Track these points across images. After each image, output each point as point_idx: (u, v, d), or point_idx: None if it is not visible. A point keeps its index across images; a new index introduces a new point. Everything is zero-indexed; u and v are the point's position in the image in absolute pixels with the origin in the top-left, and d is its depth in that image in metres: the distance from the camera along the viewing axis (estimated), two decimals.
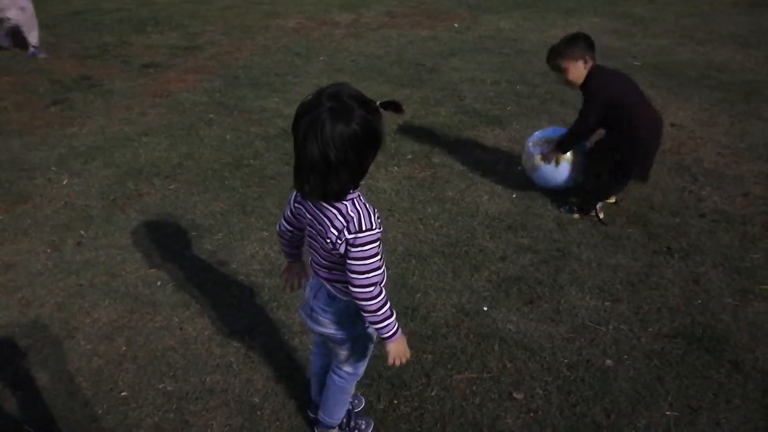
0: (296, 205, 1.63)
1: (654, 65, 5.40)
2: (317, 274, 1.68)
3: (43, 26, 6.69)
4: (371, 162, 1.47)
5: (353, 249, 1.48)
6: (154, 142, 4.09)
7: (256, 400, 2.18)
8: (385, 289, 1.58)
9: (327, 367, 1.96)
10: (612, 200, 3.29)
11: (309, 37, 6.40)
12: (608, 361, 2.32)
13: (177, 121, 4.41)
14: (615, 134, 3.07)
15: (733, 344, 2.39)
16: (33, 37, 5.71)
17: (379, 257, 1.52)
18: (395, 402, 2.17)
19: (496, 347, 2.39)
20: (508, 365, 2.31)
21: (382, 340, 1.64)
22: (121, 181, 3.61)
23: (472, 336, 2.45)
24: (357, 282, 1.52)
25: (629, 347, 2.38)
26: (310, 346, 2.39)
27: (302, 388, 2.22)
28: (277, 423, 2.10)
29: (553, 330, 2.48)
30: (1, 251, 3.00)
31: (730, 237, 3.04)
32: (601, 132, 3.19)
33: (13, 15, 5.54)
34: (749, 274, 2.78)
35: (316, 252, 1.64)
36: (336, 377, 1.90)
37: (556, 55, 2.99)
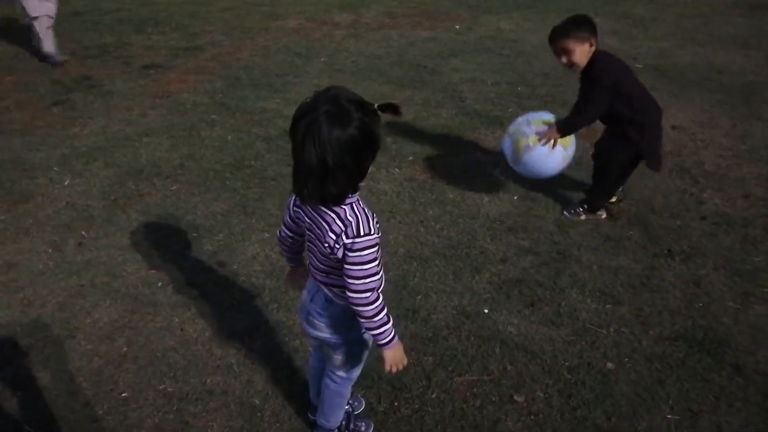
0: (295, 209, 1.63)
1: (655, 67, 5.39)
2: (315, 278, 1.68)
3: None
4: (369, 165, 1.47)
5: (351, 254, 1.48)
6: (155, 143, 4.09)
7: (257, 401, 2.18)
8: (383, 295, 1.57)
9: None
10: (613, 199, 3.29)
11: (309, 37, 6.40)
12: (609, 364, 2.32)
13: (178, 122, 4.41)
14: (620, 122, 2.96)
15: (734, 347, 2.39)
16: (44, 45, 5.60)
17: (377, 263, 1.51)
18: (396, 404, 2.17)
19: (497, 350, 2.39)
20: (509, 368, 2.31)
21: (379, 347, 1.63)
22: (122, 182, 3.61)
23: (472, 338, 2.45)
24: (354, 287, 1.52)
25: (630, 350, 2.38)
26: (310, 348, 2.39)
27: (302, 389, 2.22)
28: (278, 425, 2.10)
29: (553, 333, 2.48)
30: (2, 251, 3.00)
31: (731, 239, 3.04)
32: (595, 129, 3.14)
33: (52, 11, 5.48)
34: (750, 277, 2.78)
35: (314, 256, 1.63)
36: (330, 382, 1.90)
37: (563, 35, 2.86)
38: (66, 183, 3.61)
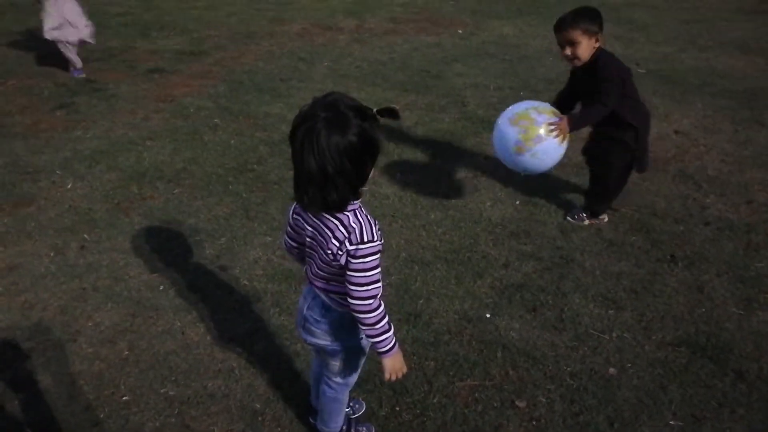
0: (295, 216, 1.63)
1: (657, 72, 5.40)
2: (313, 285, 1.68)
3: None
4: (370, 170, 1.47)
5: (354, 260, 1.48)
6: (158, 147, 4.10)
7: (258, 405, 2.18)
8: (383, 303, 1.57)
9: None
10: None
11: (313, 42, 6.42)
12: (612, 370, 2.31)
13: (181, 126, 4.43)
14: (617, 124, 2.90)
15: (737, 353, 2.38)
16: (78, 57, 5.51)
17: (379, 270, 1.51)
18: (397, 409, 2.16)
19: (499, 354, 2.38)
20: (511, 373, 2.30)
21: (379, 355, 1.62)
22: (125, 185, 3.62)
23: (474, 343, 2.44)
24: (356, 294, 1.51)
25: (633, 356, 2.37)
26: (312, 352, 2.39)
27: (304, 393, 2.21)
28: (279, 429, 2.10)
29: (556, 338, 2.47)
30: (4, 254, 3.01)
31: (734, 245, 3.03)
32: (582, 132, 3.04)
33: (88, 35, 5.36)
34: (754, 283, 2.77)
35: (314, 262, 1.63)
36: (327, 388, 1.89)
37: (572, 25, 2.73)
38: (69, 186, 3.62)
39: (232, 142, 4.18)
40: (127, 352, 2.41)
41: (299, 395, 2.21)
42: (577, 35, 2.74)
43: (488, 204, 3.41)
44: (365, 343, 1.77)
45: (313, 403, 2.08)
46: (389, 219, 3.25)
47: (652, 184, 3.58)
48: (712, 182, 3.61)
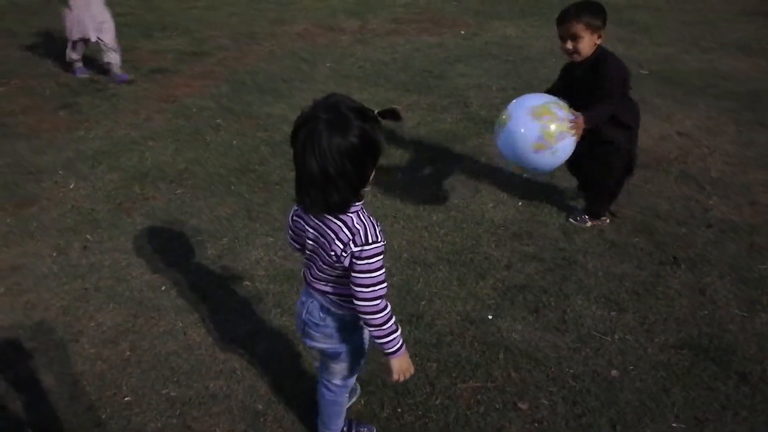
0: (295, 218, 1.63)
1: (659, 73, 5.38)
2: (312, 287, 1.67)
3: (50, 31, 6.73)
4: (371, 172, 1.47)
5: (360, 262, 1.49)
6: (161, 147, 4.10)
7: (260, 406, 2.18)
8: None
9: None
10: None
11: (315, 43, 6.42)
12: (614, 372, 2.30)
13: (183, 126, 4.43)
14: (617, 123, 2.84)
15: (740, 356, 2.37)
16: (117, 59, 5.30)
17: (383, 270, 1.52)
18: (399, 410, 2.16)
19: (501, 356, 2.38)
20: (513, 375, 2.30)
21: (386, 356, 1.62)
22: (128, 185, 3.63)
23: (476, 344, 2.44)
24: (363, 295, 1.52)
25: (635, 358, 2.37)
26: (313, 353, 2.39)
27: (306, 394, 2.21)
28: (281, 430, 2.10)
29: (558, 339, 2.46)
30: (7, 254, 3.01)
31: (737, 247, 3.03)
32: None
33: (109, 39, 5.13)
34: (757, 285, 2.76)
35: (314, 264, 1.63)
36: (326, 391, 1.90)
37: (577, 18, 2.65)
38: (71, 186, 3.62)
39: (234, 142, 4.18)
40: (129, 353, 2.41)
41: (301, 396, 2.21)
42: (580, 29, 2.66)
43: (490, 205, 3.41)
44: (365, 344, 1.77)
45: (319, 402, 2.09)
46: (391, 220, 3.25)
47: (655, 186, 3.57)
48: (714, 184, 3.60)
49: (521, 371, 2.31)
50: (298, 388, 2.25)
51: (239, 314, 2.61)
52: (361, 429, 2.06)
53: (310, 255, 1.64)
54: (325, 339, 1.72)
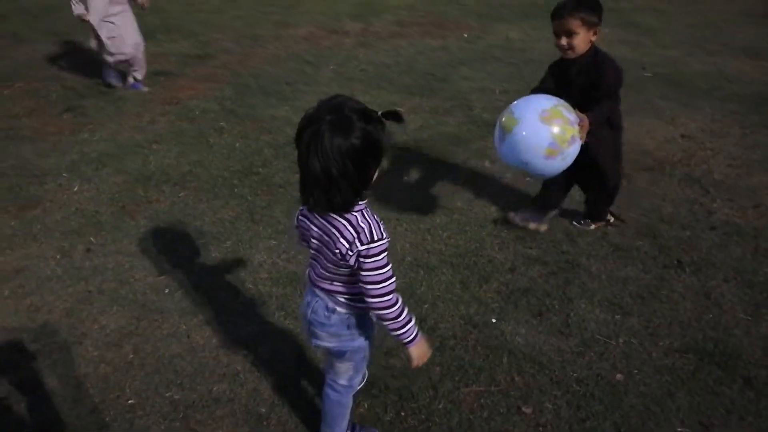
0: (300, 217, 1.64)
1: (664, 76, 5.38)
2: (316, 286, 1.69)
3: (55, 33, 6.76)
4: (374, 173, 1.49)
5: (367, 260, 1.50)
6: (164, 150, 4.11)
7: (263, 409, 2.17)
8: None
9: None
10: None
11: (319, 46, 6.43)
12: (618, 376, 2.29)
13: (187, 129, 4.44)
14: (612, 124, 2.80)
15: (745, 360, 2.35)
16: (140, 73, 5.19)
17: (390, 266, 1.55)
18: (402, 414, 2.15)
19: (505, 360, 2.37)
20: (517, 378, 2.29)
21: (404, 345, 1.65)
22: (131, 188, 3.63)
23: (480, 348, 2.43)
24: (375, 292, 1.54)
25: (640, 362, 2.36)
26: (317, 355, 2.39)
27: (309, 397, 2.21)
28: None
29: (562, 343, 2.45)
30: (11, 256, 3.02)
31: (741, 250, 3.01)
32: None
33: (130, 51, 5.00)
34: (762, 288, 2.75)
35: (318, 263, 1.65)
36: (331, 391, 1.89)
37: (573, 13, 2.55)
38: (75, 189, 3.63)
39: (238, 145, 4.19)
40: (132, 355, 2.41)
41: (304, 399, 2.21)
42: (576, 25, 2.57)
43: (494, 208, 3.40)
44: (370, 344, 1.78)
45: None
46: (394, 222, 3.24)
47: (659, 189, 3.56)
48: (719, 186, 3.58)
49: (525, 375, 2.30)
50: (302, 392, 2.24)
51: (242, 317, 2.61)
52: None
53: (314, 254, 1.65)
54: (330, 338, 1.72)
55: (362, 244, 1.49)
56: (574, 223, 3.20)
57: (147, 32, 6.85)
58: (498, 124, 2.48)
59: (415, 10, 7.83)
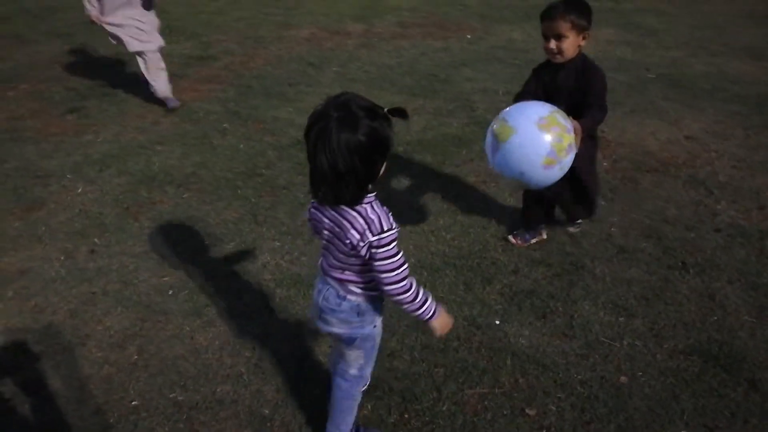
0: (312, 210, 1.70)
1: (667, 77, 5.37)
2: (328, 275, 1.74)
3: (59, 35, 6.79)
4: (380, 169, 1.54)
5: (379, 250, 1.56)
6: (168, 151, 4.12)
7: (266, 411, 2.17)
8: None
9: None
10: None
11: (322, 47, 6.43)
12: (623, 378, 2.29)
13: (190, 130, 4.44)
14: (590, 135, 2.66)
15: (750, 362, 2.35)
16: (156, 86, 4.79)
17: (401, 252, 1.60)
18: (406, 416, 2.15)
19: (509, 362, 2.36)
20: (521, 380, 2.28)
21: (425, 322, 1.70)
22: (135, 189, 3.64)
23: (483, 350, 2.43)
24: (390, 280, 1.60)
25: (644, 364, 2.35)
26: (320, 357, 2.39)
27: (313, 399, 2.21)
28: None
29: (566, 345, 2.45)
30: (15, 257, 3.03)
31: (746, 252, 3.00)
32: None
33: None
34: (767, 291, 2.74)
35: (330, 254, 1.71)
36: (342, 381, 1.91)
37: (563, 17, 2.46)
38: (79, 190, 3.64)
39: (241, 146, 4.19)
40: (136, 357, 2.42)
41: (308, 401, 2.21)
42: (566, 28, 2.48)
43: (497, 209, 3.40)
44: (378, 331, 1.83)
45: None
46: (397, 224, 3.23)
47: (663, 190, 3.56)
48: (723, 188, 3.58)
49: (529, 377, 2.30)
50: (306, 393, 2.24)
51: (246, 318, 2.61)
52: None
53: (326, 244, 1.71)
54: (340, 324, 1.76)
55: (373, 234, 1.53)
56: (570, 229, 3.14)
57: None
58: (490, 133, 2.29)
59: (417, 12, 7.84)
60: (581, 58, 2.59)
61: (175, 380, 2.31)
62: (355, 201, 1.53)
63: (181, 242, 3.15)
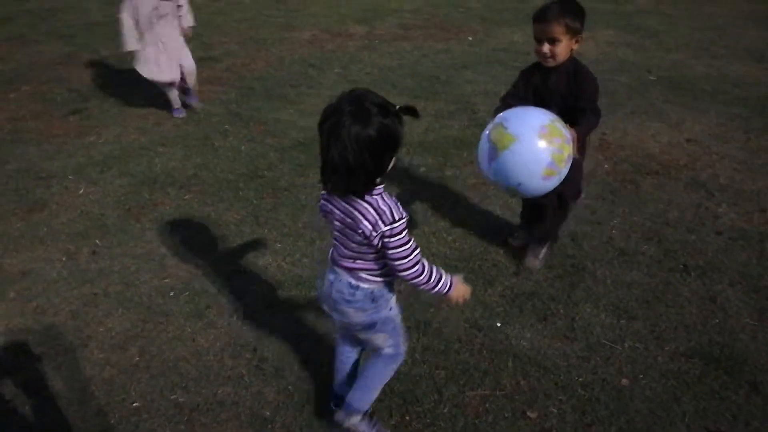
0: (322, 201, 1.74)
1: (668, 79, 5.37)
2: (339, 266, 1.78)
3: (61, 36, 6.80)
4: (389, 164, 1.59)
5: (392, 239, 1.62)
6: (170, 152, 4.13)
7: (267, 413, 2.18)
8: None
9: (353, 357, 2.06)
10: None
11: (323, 49, 6.44)
12: (624, 380, 2.28)
13: (192, 132, 4.45)
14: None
15: (751, 365, 2.35)
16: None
17: (412, 238, 1.66)
18: (407, 418, 2.15)
19: (510, 364, 2.36)
20: (522, 383, 2.28)
21: (444, 296, 1.77)
22: (137, 191, 3.64)
23: (485, 352, 2.43)
24: (404, 266, 1.66)
25: (645, 366, 2.35)
26: (322, 359, 2.39)
27: (314, 401, 2.21)
28: None
29: (567, 347, 2.45)
30: (17, 259, 3.03)
31: (747, 255, 3.00)
32: None
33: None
34: (767, 293, 2.74)
35: (341, 244, 1.75)
36: (377, 360, 1.96)
37: (558, 18, 2.37)
38: (81, 192, 3.64)
39: (243, 148, 4.19)
40: (137, 358, 2.42)
41: (309, 403, 2.21)
42: (560, 32, 2.38)
43: (498, 211, 3.40)
44: (395, 311, 1.88)
45: (337, 390, 2.13)
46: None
47: (664, 193, 3.56)
48: (724, 191, 3.58)
49: (530, 379, 2.30)
50: (307, 395, 2.24)
51: (247, 320, 2.61)
52: (378, 425, 2.08)
53: (337, 235, 1.75)
54: (357, 313, 1.81)
55: (385, 225, 1.59)
56: (537, 262, 2.91)
57: None
58: (486, 139, 2.13)
59: (418, 14, 7.85)
60: (572, 61, 2.51)
61: (177, 382, 2.31)
62: (362, 192, 1.59)
63: (182, 244, 3.15)
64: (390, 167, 1.60)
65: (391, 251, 1.64)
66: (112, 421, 2.15)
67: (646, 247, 3.06)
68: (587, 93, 2.48)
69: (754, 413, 2.14)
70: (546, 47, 2.43)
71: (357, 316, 1.81)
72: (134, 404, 2.22)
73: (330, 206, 1.71)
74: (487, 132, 2.15)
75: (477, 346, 2.45)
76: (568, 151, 2.10)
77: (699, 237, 3.15)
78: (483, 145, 2.17)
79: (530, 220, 3.02)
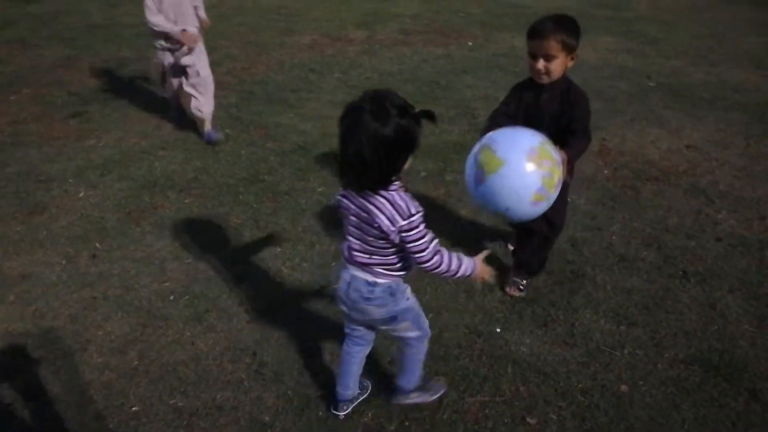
0: (339, 197, 1.78)
1: (668, 86, 5.38)
2: (354, 263, 1.81)
3: (61, 39, 6.81)
4: (404, 163, 1.66)
5: (410, 233, 1.67)
6: (170, 156, 4.13)
7: (267, 418, 2.17)
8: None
9: (359, 357, 2.10)
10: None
11: (324, 53, 6.45)
12: (623, 387, 2.28)
13: (192, 136, 4.45)
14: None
15: (750, 372, 2.35)
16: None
17: (429, 231, 1.72)
18: (406, 424, 2.14)
19: (509, 370, 2.36)
20: (521, 389, 2.28)
21: (467, 278, 1.84)
22: (137, 194, 3.65)
23: (484, 358, 2.42)
24: (425, 258, 1.72)
25: (645, 373, 2.35)
26: (322, 364, 2.38)
27: (314, 406, 2.21)
28: None
29: (567, 353, 2.45)
30: (16, 262, 3.03)
31: (747, 261, 3.01)
32: None
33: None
34: (767, 300, 2.74)
35: (358, 239, 1.78)
36: (406, 347, 2.03)
37: (554, 34, 2.28)
38: (81, 195, 3.64)
39: (243, 152, 4.20)
40: (136, 362, 2.42)
41: (308, 408, 2.20)
42: (556, 48, 2.30)
43: (498, 218, 3.40)
44: (413, 299, 1.94)
45: (341, 393, 2.14)
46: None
47: (664, 199, 3.56)
48: (724, 197, 3.58)
49: (529, 385, 2.30)
50: (306, 400, 2.24)
51: (247, 324, 2.61)
52: (430, 382, 2.20)
53: (353, 230, 1.78)
54: (377, 309, 1.84)
55: (403, 219, 1.65)
56: (517, 291, 2.79)
57: (149, 37, 6.91)
58: (473, 160, 2.03)
59: (419, 19, 7.86)
60: (566, 80, 2.43)
61: (176, 386, 2.30)
62: (376, 188, 1.64)
63: (182, 247, 3.15)
64: (405, 167, 1.66)
65: (409, 245, 1.69)
66: (111, 426, 2.14)
67: (646, 253, 3.07)
68: (579, 114, 2.40)
69: (754, 420, 2.14)
70: (541, 63, 2.34)
71: (377, 312, 1.85)
72: (133, 408, 2.21)
73: (346, 201, 1.75)
74: (475, 153, 2.04)
75: (477, 352, 2.45)
76: (559, 175, 1.99)
77: (699, 243, 3.15)
78: (470, 167, 2.07)
79: (519, 245, 2.89)
